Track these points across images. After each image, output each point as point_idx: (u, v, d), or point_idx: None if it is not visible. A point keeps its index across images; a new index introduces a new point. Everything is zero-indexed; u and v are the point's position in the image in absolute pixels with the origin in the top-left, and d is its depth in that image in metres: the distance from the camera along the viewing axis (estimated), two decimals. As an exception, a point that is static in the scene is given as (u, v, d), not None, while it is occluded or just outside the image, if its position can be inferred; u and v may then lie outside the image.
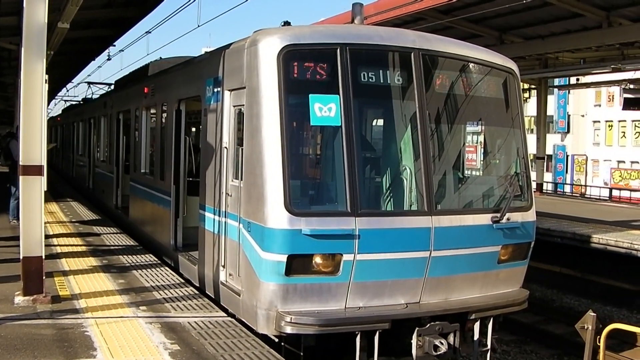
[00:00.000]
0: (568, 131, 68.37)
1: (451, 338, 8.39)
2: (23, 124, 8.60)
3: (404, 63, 8.66)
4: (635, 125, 62.10)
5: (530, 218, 9.37)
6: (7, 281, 9.88)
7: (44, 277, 8.95)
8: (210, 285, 9.86)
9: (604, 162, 64.38)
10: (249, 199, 8.39)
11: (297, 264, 7.83)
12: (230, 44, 9.55)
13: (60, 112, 47.51)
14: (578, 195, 41.80)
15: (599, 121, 66.10)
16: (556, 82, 43.83)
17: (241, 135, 8.81)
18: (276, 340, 8.24)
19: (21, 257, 8.73)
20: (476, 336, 8.88)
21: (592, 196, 39.82)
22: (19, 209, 8.93)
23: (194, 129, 16.12)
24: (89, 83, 37.66)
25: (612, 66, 23.89)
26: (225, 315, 8.90)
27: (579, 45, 23.71)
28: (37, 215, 8.67)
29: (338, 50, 8.22)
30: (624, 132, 63.50)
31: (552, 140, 62.17)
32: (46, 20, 8.60)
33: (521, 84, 10.82)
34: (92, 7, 16.13)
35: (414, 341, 8.21)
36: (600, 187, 46.84)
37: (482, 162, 9.91)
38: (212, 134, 9.91)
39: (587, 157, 66.22)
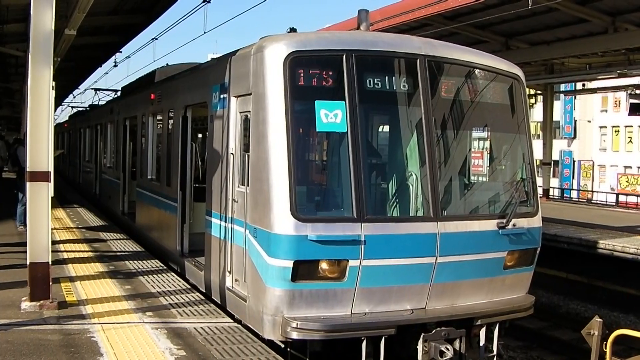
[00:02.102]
0: (574, 137, 68.29)
1: (457, 344, 8.37)
2: (30, 130, 8.65)
3: (409, 69, 8.67)
4: (642, 131, 62.00)
5: (536, 224, 9.37)
6: (14, 287, 9.92)
7: (50, 283, 8.98)
8: (217, 290, 9.87)
9: (611, 168, 64.28)
10: (255, 205, 8.41)
11: (303, 270, 7.85)
12: (236, 51, 9.58)
13: (67, 118, 47.70)
14: (585, 200, 41.68)
15: (605, 126, 66.02)
16: (562, 87, 43.83)
17: (247, 141, 8.83)
18: (282, 346, 8.25)
19: (28, 263, 8.77)
20: (482, 342, 8.88)
21: (598, 202, 39.71)
22: (26, 215, 8.96)
23: (200, 135, 16.17)
24: (96, 89, 37.69)
25: (618, 71, 23.85)
26: (231, 320, 8.92)
27: (585, 51, 23.69)
28: (44, 221, 8.71)
29: (344, 56, 8.25)
30: (631, 138, 63.40)
31: (559, 145, 62.11)
32: (53, 27, 8.65)
33: (527, 89, 10.82)
34: (98, 14, 16.22)
35: (419, 347, 8.19)
36: (607, 193, 46.71)
37: (487, 168, 9.91)
38: (218, 140, 9.94)
39: (593, 163, 66.10)
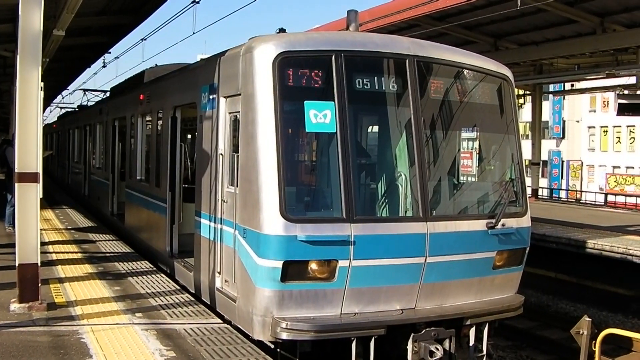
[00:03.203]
0: (563, 137, 68.53)
1: (447, 344, 8.40)
2: (19, 131, 8.61)
3: (398, 70, 8.68)
4: (630, 131, 62.26)
5: (525, 224, 9.40)
6: (2, 288, 9.87)
7: (39, 284, 8.96)
8: (206, 291, 9.86)
9: (599, 168, 64.53)
10: (244, 206, 8.40)
11: (292, 270, 7.85)
12: (225, 51, 9.57)
13: (55, 119, 47.54)
14: (573, 200, 41.82)
15: (594, 127, 66.29)
16: (551, 87, 43.97)
17: (237, 142, 8.82)
18: (272, 346, 8.25)
19: (17, 264, 8.74)
20: (472, 342, 8.90)
21: (587, 202, 39.84)
22: (15, 216, 8.93)
23: (189, 136, 16.14)
24: (85, 90, 37.61)
25: (607, 72, 23.93)
26: (221, 321, 8.91)
27: (574, 51, 23.78)
28: (33, 222, 8.68)
29: (333, 57, 8.25)
30: (619, 138, 63.68)
31: (548, 146, 62.33)
32: (41, 28, 8.62)
33: (516, 90, 10.85)
34: (87, 14, 16.14)
35: (409, 347, 8.21)
36: (595, 193, 46.84)
37: (477, 168, 9.94)
38: (207, 140, 9.92)
39: (582, 163, 66.35)
